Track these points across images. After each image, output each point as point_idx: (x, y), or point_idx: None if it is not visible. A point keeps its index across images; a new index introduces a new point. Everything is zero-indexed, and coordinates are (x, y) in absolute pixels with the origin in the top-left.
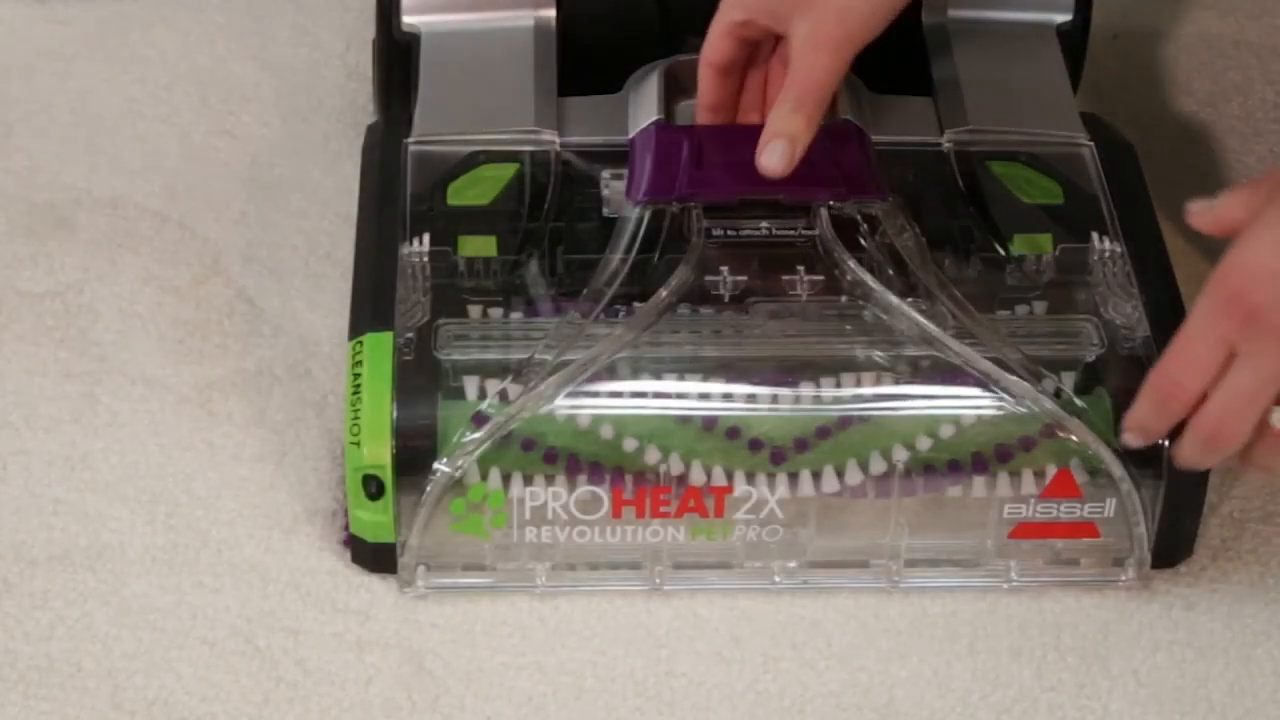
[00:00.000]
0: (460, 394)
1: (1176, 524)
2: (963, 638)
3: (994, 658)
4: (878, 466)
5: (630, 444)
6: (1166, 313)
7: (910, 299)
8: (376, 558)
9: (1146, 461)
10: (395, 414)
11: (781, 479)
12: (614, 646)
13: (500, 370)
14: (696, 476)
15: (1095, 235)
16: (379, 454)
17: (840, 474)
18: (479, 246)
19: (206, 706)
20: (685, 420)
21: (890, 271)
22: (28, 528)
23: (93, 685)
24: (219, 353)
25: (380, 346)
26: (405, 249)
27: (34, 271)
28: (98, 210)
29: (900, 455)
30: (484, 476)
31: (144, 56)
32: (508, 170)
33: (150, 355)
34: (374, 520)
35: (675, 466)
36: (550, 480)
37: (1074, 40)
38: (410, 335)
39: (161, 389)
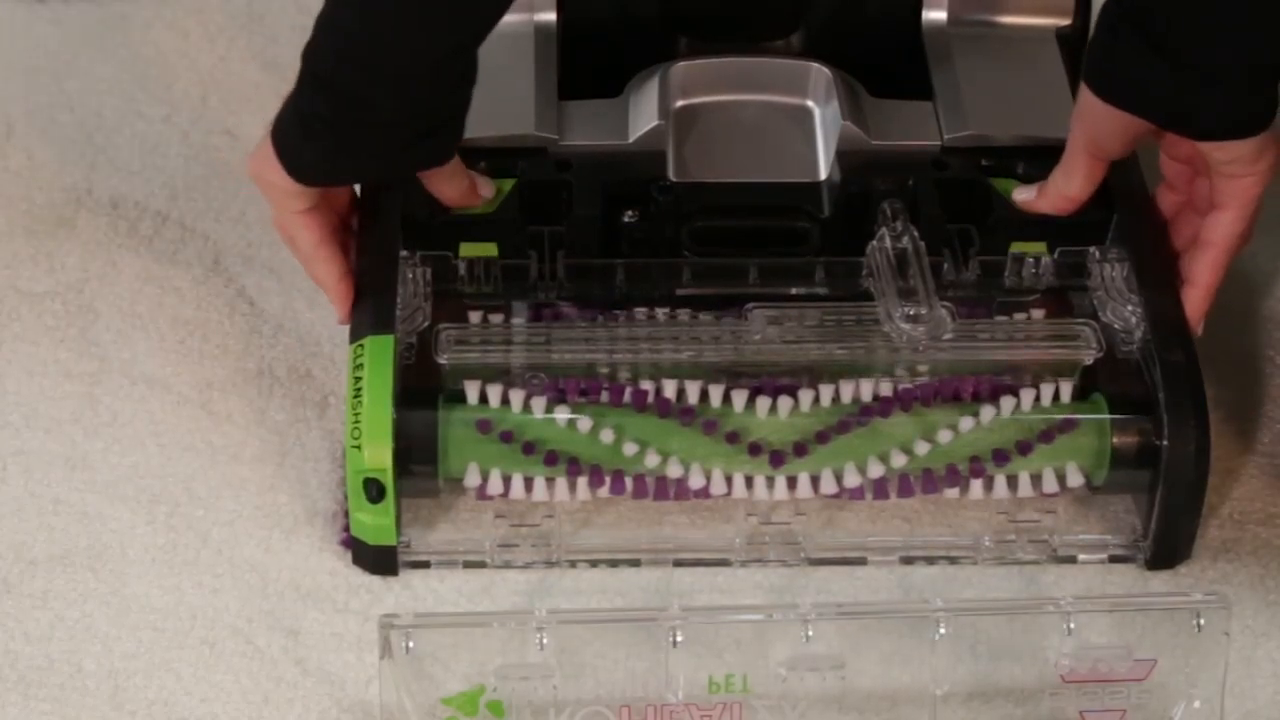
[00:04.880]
0: (461, 398)
1: (1174, 526)
2: (964, 639)
3: (995, 658)
4: (875, 470)
5: (630, 448)
6: (1165, 317)
7: (910, 302)
8: (377, 560)
9: (1145, 463)
10: (396, 417)
11: (780, 482)
12: (614, 649)
13: (501, 374)
14: (696, 480)
15: (1094, 239)
16: (380, 457)
17: (839, 477)
18: (480, 250)
19: (206, 706)
20: (686, 424)
21: (892, 275)
22: (28, 528)
23: (93, 685)
24: (219, 353)
25: (381, 350)
26: (406, 253)
27: (34, 271)
28: (98, 210)
29: (898, 460)
30: (485, 480)
31: (144, 56)
32: (505, 184)
33: (150, 355)
34: (375, 523)
35: (674, 470)
36: (550, 483)
37: (1074, 44)
38: (411, 340)
39: (161, 389)
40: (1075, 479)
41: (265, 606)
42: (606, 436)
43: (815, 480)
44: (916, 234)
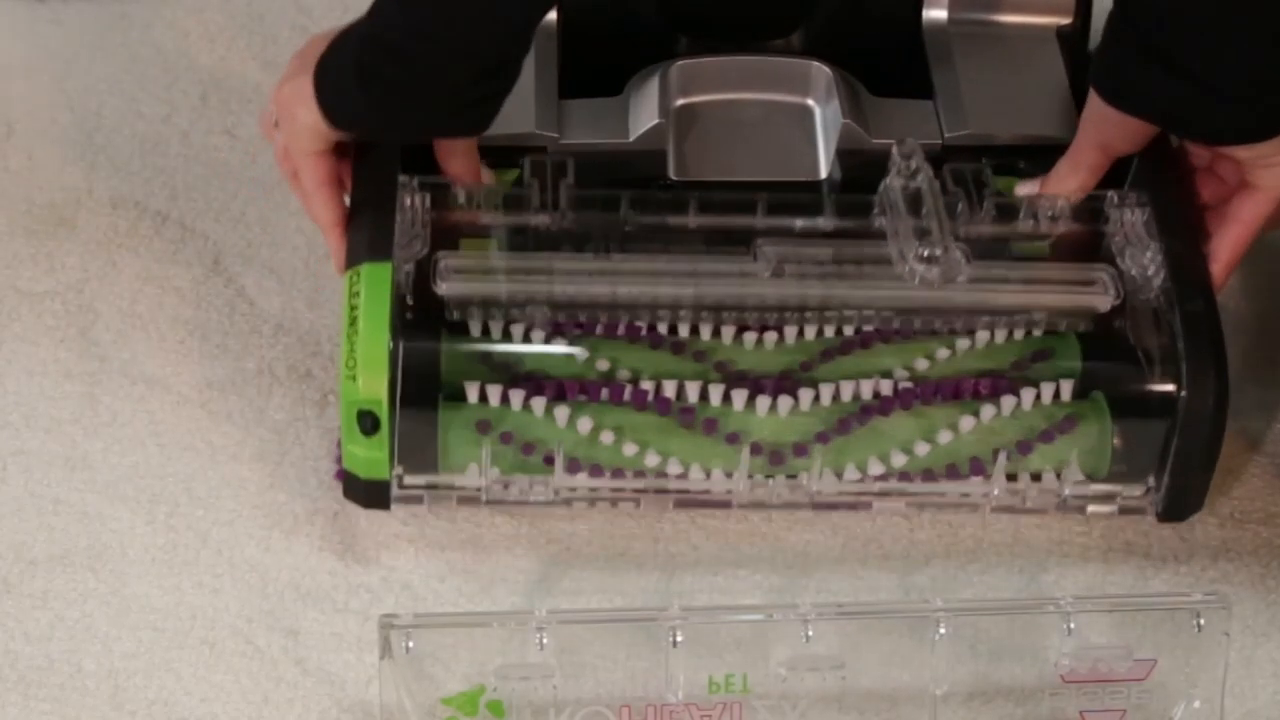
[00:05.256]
0: (461, 397)
1: (1188, 478)
2: (964, 639)
3: (995, 658)
4: (876, 470)
5: (630, 448)
6: (1186, 264)
7: (924, 243)
8: (370, 494)
9: (1163, 412)
10: (393, 347)
11: (780, 481)
12: (614, 649)
13: (501, 306)
14: (696, 479)
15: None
16: (375, 388)
17: (839, 477)
18: (481, 247)
19: (206, 706)
20: (685, 424)
21: (905, 214)
22: (28, 528)
23: (93, 685)
24: (219, 353)
25: (378, 278)
26: (404, 178)
27: (34, 271)
28: (98, 210)
29: (898, 460)
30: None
31: (144, 56)
32: (508, 175)
33: (150, 355)
34: (368, 456)
35: (674, 470)
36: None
37: (1074, 43)
38: (409, 268)
39: (161, 389)
40: (1076, 477)
41: (265, 606)
42: (606, 438)
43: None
44: (931, 173)
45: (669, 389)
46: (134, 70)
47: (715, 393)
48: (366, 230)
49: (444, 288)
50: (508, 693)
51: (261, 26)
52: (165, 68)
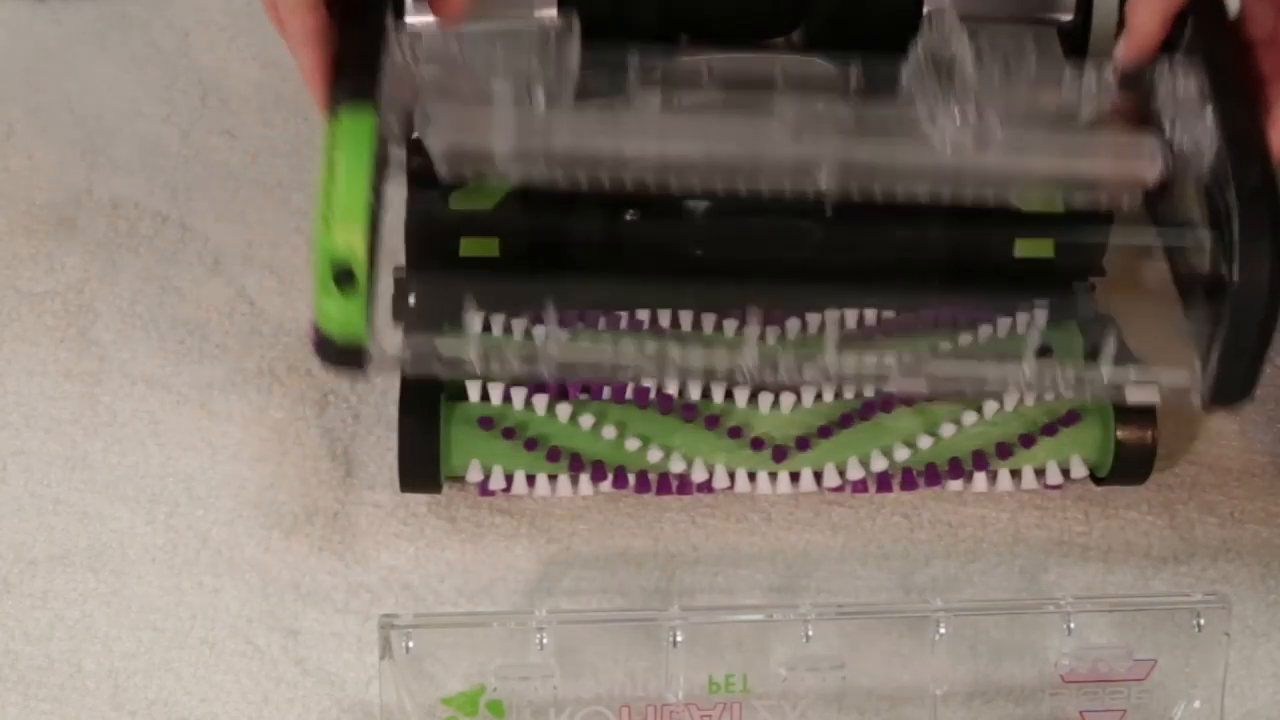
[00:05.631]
0: (462, 395)
1: (1239, 363)
2: (964, 639)
3: (995, 658)
4: (879, 464)
5: (632, 444)
6: (1243, 132)
7: (957, 103)
8: (343, 356)
9: (1213, 291)
10: (372, 199)
11: (783, 477)
12: (614, 649)
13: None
14: (698, 475)
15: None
16: (351, 238)
17: (842, 472)
18: (481, 247)
19: (206, 706)
20: (688, 420)
21: (936, 75)
22: (28, 528)
23: (93, 685)
24: (219, 353)
25: (359, 122)
26: (392, 20)
27: (34, 271)
28: (98, 210)
29: (901, 454)
30: (487, 476)
31: (144, 56)
32: (503, 186)
33: (150, 355)
34: (343, 316)
35: (677, 465)
36: (553, 480)
37: (1076, 39)
38: (392, 118)
39: (161, 389)
40: (1079, 471)
41: (265, 606)
42: (608, 433)
43: (818, 475)
44: (965, 35)
45: (671, 386)
46: (134, 70)
47: (717, 390)
48: (349, 76)
49: (434, 141)
50: (508, 693)
51: (261, 26)
52: (165, 68)
